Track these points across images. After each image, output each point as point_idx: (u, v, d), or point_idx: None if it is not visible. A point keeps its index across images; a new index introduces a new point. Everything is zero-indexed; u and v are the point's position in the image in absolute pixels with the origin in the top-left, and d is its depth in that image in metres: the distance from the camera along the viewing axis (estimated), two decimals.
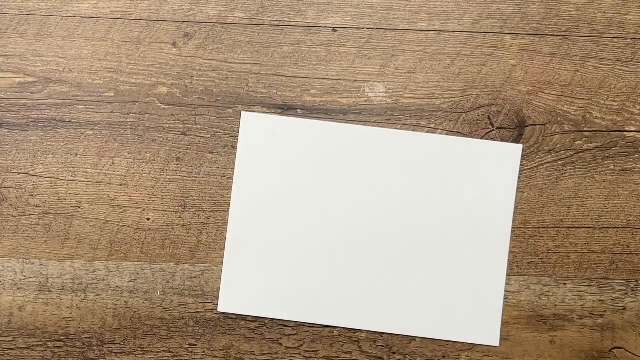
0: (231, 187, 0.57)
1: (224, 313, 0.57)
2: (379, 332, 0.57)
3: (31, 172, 0.57)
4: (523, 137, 0.57)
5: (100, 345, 0.57)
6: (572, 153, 0.57)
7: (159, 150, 0.57)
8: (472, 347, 0.57)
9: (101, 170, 0.57)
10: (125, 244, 0.57)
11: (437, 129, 0.57)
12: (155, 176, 0.57)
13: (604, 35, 0.58)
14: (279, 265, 0.57)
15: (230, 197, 0.57)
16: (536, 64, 0.58)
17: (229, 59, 0.58)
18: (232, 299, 0.57)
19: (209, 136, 0.57)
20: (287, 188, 0.57)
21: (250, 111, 0.57)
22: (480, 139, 0.57)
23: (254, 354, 0.57)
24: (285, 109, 0.58)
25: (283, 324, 0.57)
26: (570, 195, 0.57)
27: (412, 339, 0.57)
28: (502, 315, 0.57)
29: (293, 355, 0.57)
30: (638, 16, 0.58)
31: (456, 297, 0.57)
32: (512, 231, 0.57)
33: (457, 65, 0.58)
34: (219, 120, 0.57)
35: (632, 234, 0.57)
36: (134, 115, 0.57)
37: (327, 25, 0.58)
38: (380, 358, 0.57)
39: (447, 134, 0.57)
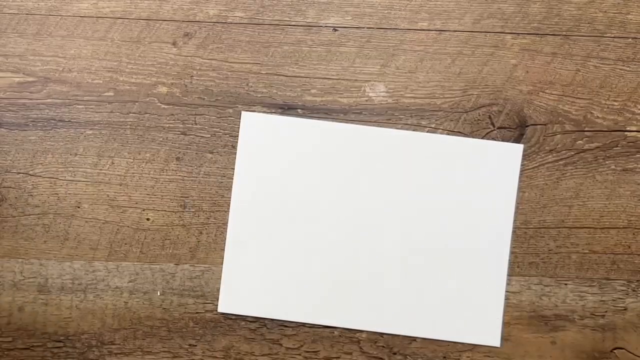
0: (231, 187, 0.57)
1: (224, 313, 0.57)
2: (380, 333, 0.57)
3: (30, 172, 0.57)
4: (524, 136, 0.57)
5: (100, 346, 0.57)
6: (573, 153, 0.57)
7: (159, 150, 0.57)
8: (473, 347, 0.57)
9: (101, 170, 0.57)
10: (125, 244, 0.57)
11: (438, 128, 0.57)
12: (155, 176, 0.57)
13: (605, 35, 0.58)
14: (279, 266, 0.57)
15: (230, 197, 0.57)
16: (537, 64, 0.58)
17: (229, 59, 0.57)
18: (232, 299, 0.57)
19: (209, 136, 0.57)
20: (287, 188, 0.57)
21: (250, 111, 0.57)
22: (481, 138, 0.57)
23: (254, 354, 0.57)
24: (286, 109, 0.57)
25: (283, 324, 0.57)
26: (572, 195, 0.57)
27: (413, 339, 0.57)
28: (503, 315, 0.57)
29: (293, 355, 0.57)
30: (639, 15, 0.58)
31: (457, 298, 0.57)
32: (513, 231, 0.57)
33: (458, 64, 0.58)
34: (219, 120, 0.57)
35: (634, 234, 0.57)
36: (134, 115, 0.57)
37: (327, 25, 0.58)
38: (380, 358, 0.57)
39: (448, 134, 0.57)
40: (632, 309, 0.57)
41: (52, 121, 0.57)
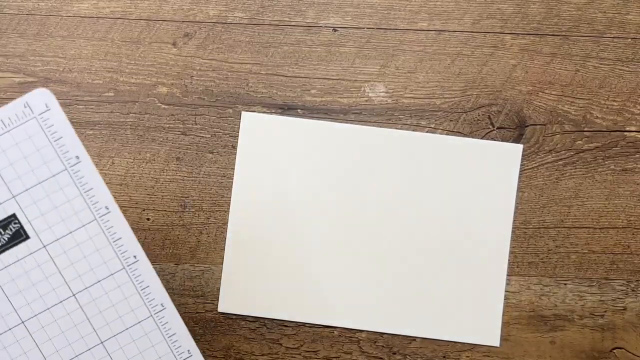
0: (231, 187, 0.57)
1: (224, 313, 0.57)
2: (379, 332, 0.57)
3: None
4: (523, 137, 0.57)
5: None
6: (572, 153, 0.57)
7: (159, 150, 0.57)
8: (472, 347, 0.57)
9: (101, 170, 0.57)
10: None
11: (438, 128, 0.57)
12: (155, 176, 0.57)
13: (604, 35, 0.58)
14: (279, 265, 0.57)
15: (230, 197, 0.57)
16: (536, 64, 0.58)
17: (229, 59, 0.58)
18: (232, 299, 0.57)
19: (209, 136, 0.57)
20: (287, 188, 0.57)
21: (250, 111, 0.57)
22: (481, 139, 0.57)
23: (254, 354, 0.57)
24: (286, 109, 0.57)
25: (283, 324, 0.57)
26: (571, 195, 0.57)
27: (413, 339, 0.57)
28: (503, 315, 0.57)
29: (293, 355, 0.57)
30: (638, 16, 0.58)
31: (456, 298, 0.57)
32: (513, 231, 0.57)
33: (458, 65, 0.58)
34: (219, 120, 0.57)
35: (633, 234, 0.57)
36: (134, 115, 0.57)
37: (327, 25, 0.58)
38: (380, 358, 0.57)
39: (448, 134, 0.57)
40: (631, 309, 0.57)
41: None
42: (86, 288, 0.46)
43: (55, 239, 0.45)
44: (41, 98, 0.43)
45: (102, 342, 0.46)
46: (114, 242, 0.45)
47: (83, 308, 0.46)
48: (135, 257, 0.46)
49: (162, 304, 0.46)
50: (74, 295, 0.45)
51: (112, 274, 0.46)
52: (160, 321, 0.46)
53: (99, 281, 0.45)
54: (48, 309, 0.45)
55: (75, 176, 0.44)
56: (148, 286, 0.46)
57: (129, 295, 0.46)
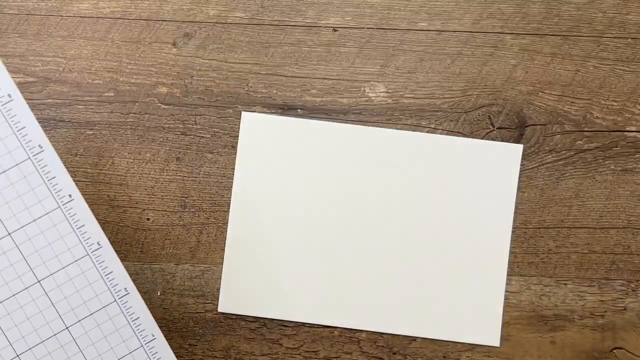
0: (231, 187, 0.57)
1: (224, 313, 0.57)
2: (380, 332, 0.57)
3: None
4: (523, 137, 0.57)
5: None
6: (572, 153, 0.57)
7: (159, 150, 0.57)
8: (472, 347, 0.57)
9: (101, 170, 0.57)
10: (125, 244, 0.57)
11: (438, 128, 0.57)
12: (155, 176, 0.57)
13: (604, 35, 0.58)
14: (279, 265, 0.57)
15: (230, 197, 0.57)
16: (537, 64, 0.58)
17: (229, 59, 0.58)
18: (232, 299, 0.57)
19: (209, 136, 0.57)
20: (287, 188, 0.57)
21: (250, 111, 0.57)
22: (481, 139, 0.57)
23: (254, 354, 0.57)
24: (286, 109, 0.57)
25: (283, 324, 0.57)
26: (571, 196, 0.57)
27: (413, 339, 0.57)
28: (503, 315, 0.57)
29: (293, 355, 0.57)
30: (638, 16, 0.58)
31: (457, 298, 0.57)
32: (513, 231, 0.57)
33: (458, 65, 0.58)
34: (219, 120, 0.57)
35: (633, 234, 0.57)
36: (134, 115, 0.57)
37: (327, 25, 0.58)
38: (380, 358, 0.57)
39: (448, 134, 0.57)
40: (631, 309, 0.57)
41: (53, 121, 0.57)
42: (51, 274, 0.47)
43: (20, 227, 0.46)
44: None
45: (67, 328, 0.47)
46: (77, 228, 0.46)
47: (48, 294, 0.47)
48: (98, 243, 0.47)
49: (125, 289, 0.47)
50: (39, 281, 0.46)
51: (76, 261, 0.47)
52: (124, 305, 0.48)
53: (63, 267, 0.46)
54: (14, 295, 0.46)
55: (38, 164, 0.46)
56: (112, 272, 0.47)
57: (93, 281, 0.47)
